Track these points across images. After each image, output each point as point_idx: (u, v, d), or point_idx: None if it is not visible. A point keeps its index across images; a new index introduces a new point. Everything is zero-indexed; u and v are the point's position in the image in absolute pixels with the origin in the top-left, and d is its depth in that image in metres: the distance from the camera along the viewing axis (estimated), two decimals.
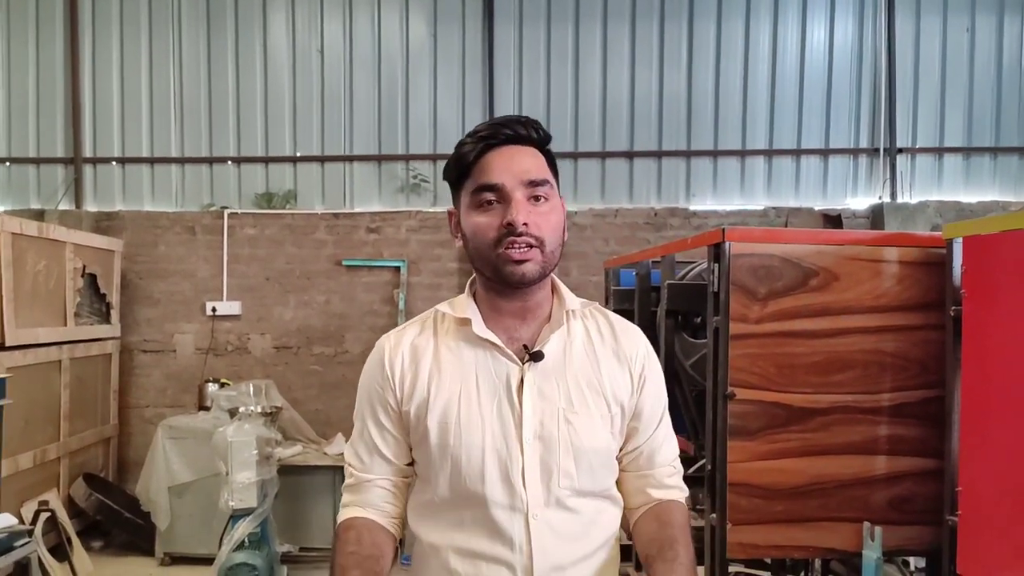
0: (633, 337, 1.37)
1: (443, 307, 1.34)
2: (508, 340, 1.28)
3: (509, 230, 1.20)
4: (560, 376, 1.27)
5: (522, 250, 1.20)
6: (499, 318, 1.29)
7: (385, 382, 1.31)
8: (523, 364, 1.26)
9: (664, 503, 1.37)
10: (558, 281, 1.34)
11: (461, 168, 1.27)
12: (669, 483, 1.39)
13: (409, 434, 1.31)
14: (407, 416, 1.30)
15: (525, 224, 1.20)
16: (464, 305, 1.31)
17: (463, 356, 1.29)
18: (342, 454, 4.88)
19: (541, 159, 1.28)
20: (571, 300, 1.33)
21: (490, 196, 1.23)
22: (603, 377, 1.30)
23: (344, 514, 1.34)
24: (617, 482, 1.36)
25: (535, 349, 1.27)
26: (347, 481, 1.36)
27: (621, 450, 1.35)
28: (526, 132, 1.27)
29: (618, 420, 1.31)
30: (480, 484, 1.22)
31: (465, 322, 1.29)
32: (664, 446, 1.39)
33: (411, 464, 1.35)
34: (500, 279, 1.24)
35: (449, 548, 1.25)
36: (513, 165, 1.24)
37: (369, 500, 1.33)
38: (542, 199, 1.24)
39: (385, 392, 1.31)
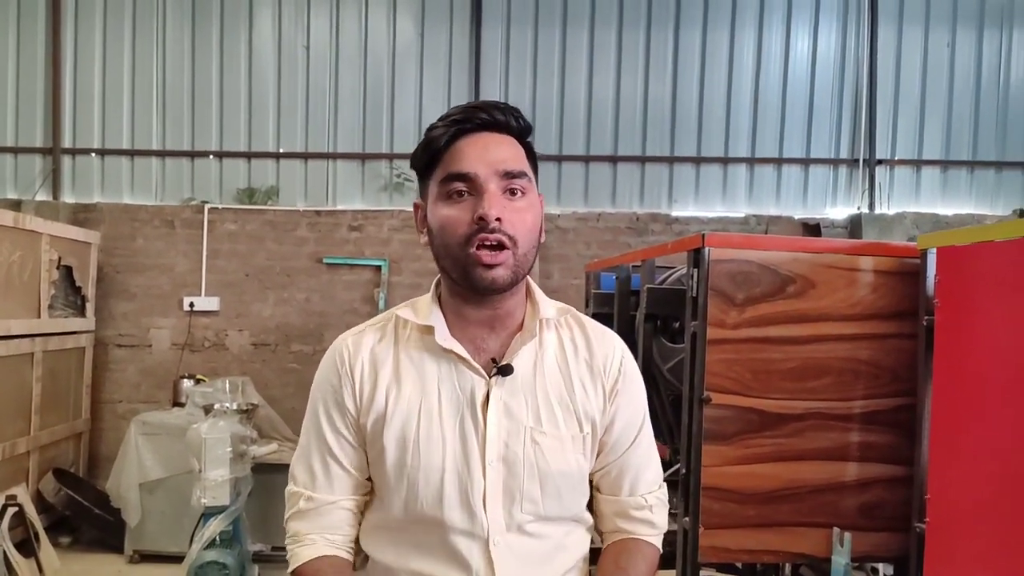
0: (608, 346, 1.24)
1: (404, 312, 1.21)
2: (475, 351, 1.17)
3: (480, 225, 1.08)
4: (529, 392, 1.16)
5: (493, 253, 1.08)
6: (465, 326, 1.17)
7: (344, 387, 1.19)
8: (490, 378, 1.15)
9: (632, 541, 1.27)
10: (533, 285, 1.22)
11: (430, 154, 1.14)
12: (637, 516, 1.26)
13: (366, 449, 1.20)
14: (363, 429, 1.19)
15: (498, 219, 1.08)
16: (428, 310, 1.18)
17: (425, 368, 1.17)
18: None
19: (519, 150, 1.15)
20: (546, 307, 1.20)
21: (461, 186, 1.10)
22: (575, 394, 1.19)
23: (304, 552, 1.20)
24: (590, 501, 1.27)
25: (503, 362, 1.15)
26: (299, 505, 1.21)
27: (594, 471, 1.26)
28: (504, 119, 1.14)
29: (590, 440, 1.20)
30: (438, 508, 1.13)
31: (428, 330, 1.17)
32: (640, 472, 1.26)
33: (369, 479, 1.23)
34: (467, 283, 1.12)
35: (405, 572, 1.17)
36: (488, 154, 1.11)
37: (331, 525, 1.21)
38: (518, 193, 1.12)
39: (344, 397, 1.19)
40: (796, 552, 2.38)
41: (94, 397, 5.54)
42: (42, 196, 5.80)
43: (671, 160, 5.94)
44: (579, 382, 1.20)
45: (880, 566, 2.85)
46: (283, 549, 4.49)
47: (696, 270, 2.34)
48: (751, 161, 5.94)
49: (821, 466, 2.35)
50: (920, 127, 5.98)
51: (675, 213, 5.86)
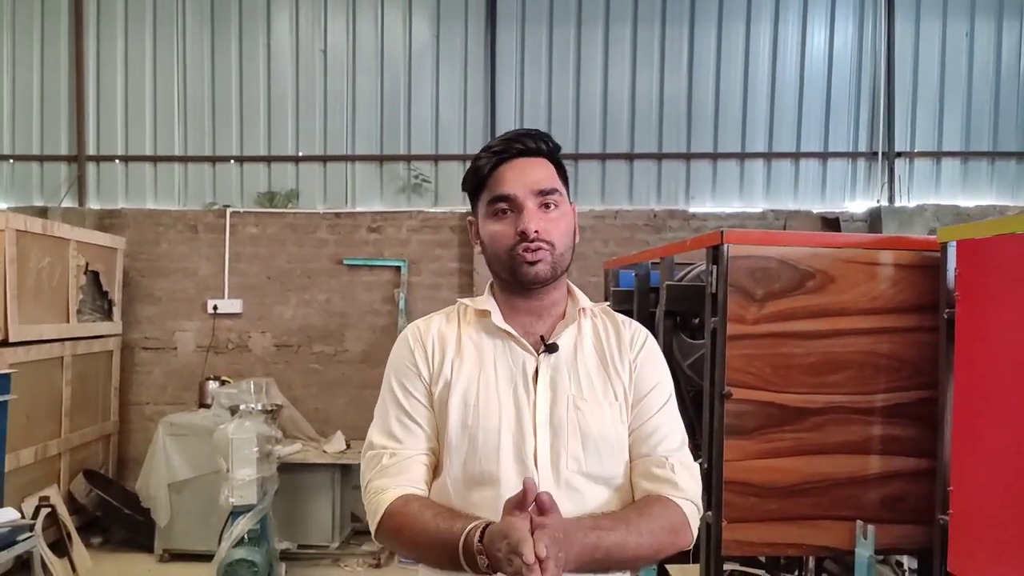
0: (634, 329, 1.45)
1: (466, 301, 1.44)
2: (524, 334, 1.37)
3: (522, 237, 1.30)
4: (571, 367, 1.36)
5: (535, 252, 1.30)
6: (516, 314, 1.39)
7: (417, 357, 1.38)
8: (538, 355, 1.35)
9: (653, 496, 1.33)
10: (572, 284, 1.44)
11: (477, 180, 1.38)
12: (659, 474, 1.34)
13: (435, 412, 1.37)
14: (432, 395, 1.36)
15: (536, 231, 1.30)
16: (485, 300, 1.41)
17: (483, 345, 1.37)
18: (342, 451, 4.97)
19: (550, 168, 1.36)
20: (584, 300, 1.42)
21: (504, 206, 1.33)
22: (609, 367, 1.38)
23: (388, 496, 1.30)
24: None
25: (550, 341, 1.35)
26: (383, 463, 1.34)
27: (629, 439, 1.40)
28: (535, 145, 1.36)
29: (625, 408, 1.37)
30: (495, 464, 1.29)
31: (485, 314, 1.38)
32: (663, 437, 1.37)
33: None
34: (515, 279, 1.34)
35: None
36: (524, 176, 1.33)
37: (411, 480, 1.32)
38: (552, 206, 1.33)
39: (419, 365, 1.38)
40: (819, 545, 2.39)
41: (122, 399, 5.64)
42: (68, 203, 5.91)
43: (688, 156, 5.94)
44: (612, 358, 1.39)
45: (904, 558, 2.85)
46: (310, 547, 4.54)
47: (715, 267, 2.36)
48: (768, 156, 5.92)
49: (843, 460, 2.36)
50: (939, 118, 5.93)
51: (692, 209, 5.86)
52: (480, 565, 1.13)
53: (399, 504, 1.29)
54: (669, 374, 1.45)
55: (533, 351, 1.35)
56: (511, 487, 1.24)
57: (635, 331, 1.44)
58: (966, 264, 2.13)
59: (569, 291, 1.44)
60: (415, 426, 1.35)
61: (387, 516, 1.29)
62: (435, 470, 1.36)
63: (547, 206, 1.33)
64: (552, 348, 1.35)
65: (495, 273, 1.40)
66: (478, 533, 1.15)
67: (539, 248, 1.30)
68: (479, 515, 1.23)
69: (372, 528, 1.35)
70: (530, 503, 1.11)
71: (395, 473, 1.33)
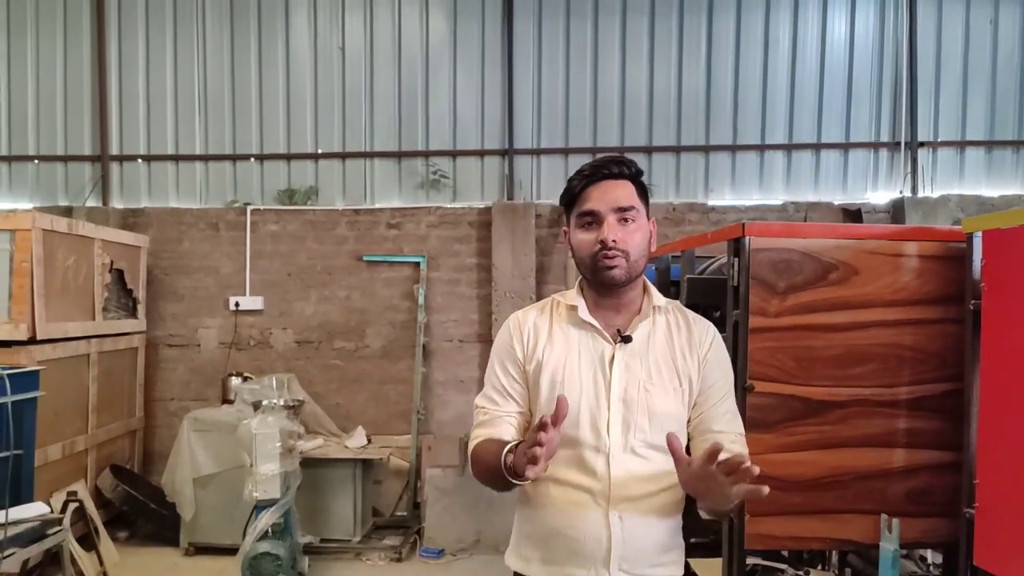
0: (704, 326, 1.69)
1: (558, 296, 1.73)
2: (605, 326, 1.64)
3: (603, 245, 1.56)
4: (644, 356, 1.61)
5: (611, 259, 1.56)
6: (599, 310, 1.65)
7: (516, 341, 1.67)
8: (615, 344, 1.61)
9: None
10: (650, 284, 1.69)
11: (570, 198, 1.65)
12: (732, 447, 1.57)
13: (528, 388, 1.66)
14: (527, 374, 1.66)
15: (614, 241, 1.56)
16: (574, 296, 1.68)
17: (570, 334, 1.65)
18: (363, 447, 5.01)
19: (631, 189, 1.62)
20: (658, 299, 1.67)
21: (589, 219, 1.60)
22: (677, 358, 1.63)
23: (475, 440, 1.65)
24: (688, 449, 1.58)
25: (626, 334, 1.61)
26: (480, 418, 1.67)
27: (690, 421, 1.65)
28: (619, 170, 1.61)
29: (687, 394, 1.63)
30: (576, 429, 1.57)
31: (573, 308, 1.65)
32: (728, 420, 1.64)
33: (529, 411, 1.66)
34: (596, 280, 1.61)
35: (549, 480, 1.58)
36: (607, 196, 1.59)
37: (499, 432, 1.62)
38: (629, 221, 1.59)
39: (515, 349, 1.67)
40: (843, 539, 2.38)
41: (147, 395, 5.72)
42: (92, 202, 5.99)
43: (706, 149, 5.90)
44: (680, 351, 1.64)
45: (928, 552, 2.82)
46: (332, 541, 4.58)
47: (737, 259, 2.35)
48: (788, 147, 5.87)
49: (866, 453, 2.34)
50: (963, 107, 5.84)
51: (712, 202, 5.82)
52: (511, 471, 1.42)
53: (479, 445, 1.63)
54: (731, 369, 1.70)
55: (611, 341, 1.62)
56: (589, 448, 1.57)
57: (705, 329, 1.67)
58: (992, 254, 2.10)
59: (646, 289, 1.68)
60: (508, 396, 1.66)
61: (472, 454, 1.65)
62: (526, 431, 1.63)
63: (625, 220, 1.58)
64: (627, 339, 1.60)
65: (582, 273, 1.66)
66: (509, 446, 1.47)
67: (616, 255, 1.56)
68: (560, 468, 1.57)
69: (470, 469, 1.68)
70: (561, 420, 1.34)
71: (488, 426, 1.65)
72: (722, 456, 1.36)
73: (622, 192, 1.61)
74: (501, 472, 1.45)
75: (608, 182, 1.61)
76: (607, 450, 1.56)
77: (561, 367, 1.62)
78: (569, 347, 1.64)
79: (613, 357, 1.60)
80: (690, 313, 1.71)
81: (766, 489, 1.30)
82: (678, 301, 1.71)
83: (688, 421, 1.65)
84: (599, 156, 1.68)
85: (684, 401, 1.63)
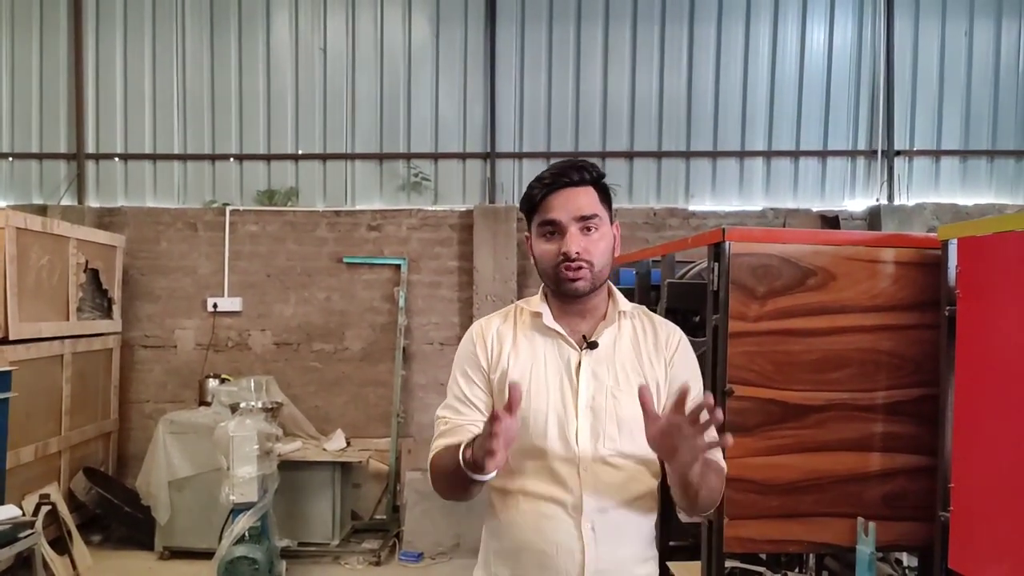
0: (669, 329, 1.65)
1: (521, 303, 1.67)
2: (570, 332, 1.59)
3: (565, 256, 1.51)
4: (610, 362, 1.56)
5: (575, 271, 1.51)
6: (564, 315, 1.60)
7: (480, 349, 1.62)
8: (581, 351, 1.56)
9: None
10: (614, 288, 1.65)
11: (530, 205, 1.59)
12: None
13: (493, 397, 1.60)
14: (492, 382, 1.60)
15: (578, 253, 1.51)
16: (537, 303, 1.63)
17: (535, 342, 1.60)
18: (342, 449, 4.97)
19: (593, 195, 1.56)
20: (623, 303, 1.63)
21: (550, 229, 1.54)
22: (644, 363, 1.58)
23: (435, 450, 1.58)
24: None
25: (592, 340, 1.56)
26: (441, 428, 1.60)
27: None
28: (579, 176, 1.55)
29: (656, 398, 1.52)
30: (543, 440, 1.52)
31: (538, 315, 1.60)
32: None
33: None
34: (560, 291, 1.57)
35: (518, 492, 1.54)
36: (568, 204, 1.53)
37: (460, 439, 1.52)
38: (592, 229, 1.53)
39: (479, 357, 1.61)
40: (820, 542, 2.40)
41: (122, 397, 5.64)
42: (67, 201, 5.91)
43: (687, 155, 5.95)
44: (647, 355, 1.60)
45: (904, 556, 2.85)
46: (310, 545, 4.54)
47: (717, 264, 2.36)
48: (768, 154, 5.93)
49: (844, 457, 2.37)
50: (939, 117, 5.94)
51: (692, 208, 5.86)
52: (469, 465, 1.36)
53: (437, 454, 1.56)
54: (698, 367, 1.65)
55: (577, 347, 1.57)
56: (558, 459, 1.51)
57: (670, 331, 1.64)
58: (967, 261, 2.13)
59: (610, 295, 1.64)
60: (472, 407, 1.59)
61: (431, 464, 1.58)
62: None
63: (588, 229, 1.53)
64: (593, 345, 1.56)
65: (545, 282, 1.61)
66: (466, 442, 1.42)
67: (580, 267, 1.51)
68: (528, 480, 1.53)
69: (430, 481, 1.61)
70: (516, 406, 1.29)
71: (449, 435, 1.56)
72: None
73: (584, 200, 1.54)
74: (461, 471, 1.39)
75: (569, 190, 1.55)
76: (577, 461, 1.50)
77: (527, 375, 1.57)
78: (535, 355, 1.59)
79: (580, 364, 1.56)
80: (655, 316, 1.67)
81: (730, 439, 1.28)
82: (643, 306, 1.66)
83: None
84: (559, 161, 1.61)
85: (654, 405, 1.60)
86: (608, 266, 1.57)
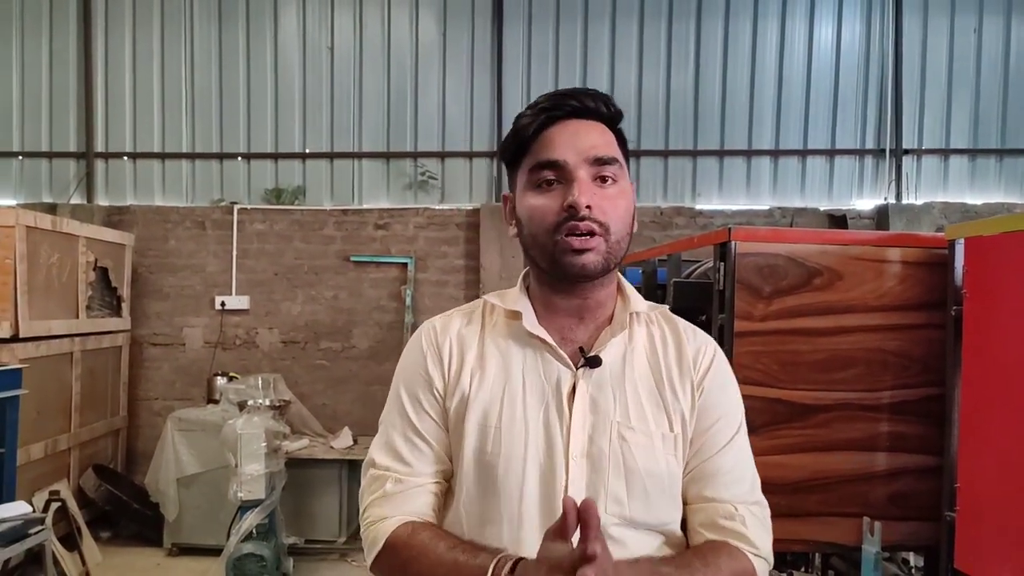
0: (700, 343, 1.17)
1: (492, 298, 1.18)
2: (562, 341, 1.11)
3: (570, 213, 1.03)
4: (618, 386, 1.09)
5: (583, 238, 1.03)
6: (553, 316, 1.12)
7: (431, 364, 1.13)
8: (577, 369, 1.09)
9: (719, 542, 1.09)
10: (626, 282, 1.17)
11: (519, 143, 1.10)
12: (726, 525, 1.10)
13: (449, 432, 1.12)
14: (447, 412, 1.12)
15: (588, 207, 1.03)
16: (515, 298, 1.14)
17: (511, 354, 1.11)
18: (349, 447, 4.99)
19: (610, 136, 1.11)
20: (637, 302, 1.15)
21: (550, 175, 1.06)
22: (666, 390, 1.11)
23: (387, 525, 1.07)
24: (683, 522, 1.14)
25: (592, 353, 1.09)
26: (386, 488, 1.10)
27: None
28: (594, 105, 1.09)
29: (681, 441, 1.11)
30: (517, 502, 1.05)
31: (516, 316, 1.13)
32: (732, 480, 1.13)
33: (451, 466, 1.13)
34: (557, 272, 1.07)
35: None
36: (578, 140, 1.06)
37: (416, 511, 1.09)
38: (609, 180, 1.07)
39: (432, 374, 1.13)
40: (826, 541, 2.40)
41: (131, 395, 5.67)
42: (76, 199, 5.94)
43: (694, 153, 5.93)
44: (669, 378, 1.12)
45: (910, 555, 2.85)
46: (317, 542, 4.55)
47: (723, 264, 2.36)
48: (775, 153, 5.92)
49: (850, 456, 2.37)
50: (947, 115, 5.91)
51: (699, 207, 5.85)
52: None
53: (403, 534, 1.05)
54: (740, 399, 1.20)
55: (571, 364, 1.10)
56: (535, 530, 1.00)
57: (701, 345, 1.16)
58: (974, 261, 2.13)
59: (620, 289, 1.16)
60: (424, 445, 1.11)
61: (388, 548, 1.06)
62: (446, 497, 1.14)
63: (604, 179, 1.06)
64: (594, 362, 1.08)
65: (532, 261, 1.12)
66: (508, 566, 0.93)
67: (590, 231, 1.03)
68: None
69: (369, 560, 1.10)
70: (573, 530, 0.86)
71: (399, 503, 1.09)
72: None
73: (600, 138, 1.08)
74: None
75: (578, 122, 1.08)
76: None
77: (497, 405, 1.08)
78: (509, 373, 1.10)
79: (574, 388, 1.08)
80: (680, 321, 1.19)
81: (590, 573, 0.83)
82: (664, 306, 1.20)
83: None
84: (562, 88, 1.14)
85: (678, 452, 1.10)
86: (627, 239, 1.09)
